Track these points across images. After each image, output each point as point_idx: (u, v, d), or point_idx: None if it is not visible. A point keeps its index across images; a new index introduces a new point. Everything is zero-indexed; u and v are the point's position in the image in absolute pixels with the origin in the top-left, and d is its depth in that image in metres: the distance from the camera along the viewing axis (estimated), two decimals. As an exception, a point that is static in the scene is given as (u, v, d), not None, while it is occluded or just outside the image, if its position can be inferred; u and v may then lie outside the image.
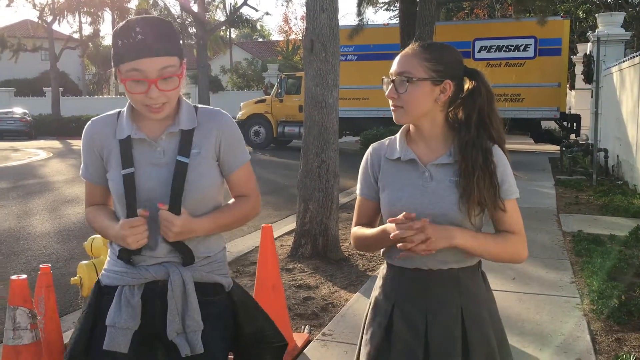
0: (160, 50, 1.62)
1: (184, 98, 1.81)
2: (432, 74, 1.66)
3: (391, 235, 1.59)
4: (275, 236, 6.58)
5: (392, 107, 1.71)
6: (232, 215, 1.81)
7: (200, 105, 1.83)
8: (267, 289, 3.48)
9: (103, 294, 1.75)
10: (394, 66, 1.72)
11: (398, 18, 29.32)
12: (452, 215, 1.65)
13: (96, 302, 1.75)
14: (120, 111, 1.79)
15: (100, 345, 1.68)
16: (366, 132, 9.84)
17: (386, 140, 1.84)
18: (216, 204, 1.80)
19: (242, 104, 21.59)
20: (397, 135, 1.79)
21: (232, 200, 1.86)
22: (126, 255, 1.71)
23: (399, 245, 1.59)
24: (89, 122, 1.82)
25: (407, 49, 1.73)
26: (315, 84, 5.42)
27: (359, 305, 4.25)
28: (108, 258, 1.80)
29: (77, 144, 23.46)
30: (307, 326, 3.94)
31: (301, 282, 4.89)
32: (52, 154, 18.44)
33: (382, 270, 1.83)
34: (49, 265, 2.76)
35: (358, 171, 1.88)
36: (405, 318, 1.71)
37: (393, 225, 1.60)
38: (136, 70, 1.61)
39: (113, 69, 1.70)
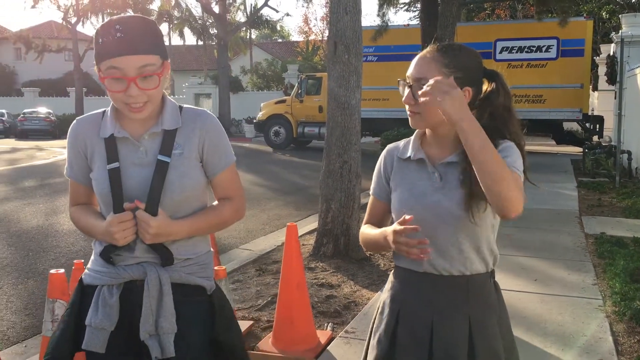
0: (139, 48, 1.60)
1: (169, 97, 1.79)
2: None
3: (391, 243, 1.59)
4: (299, 234, 6.67)
5: (408, 112, 1.69)
6: (212, 219, 1.78)
7: (185, 106, 1.80)
8: (291, 287, 3.55)
9: (85, 293, 1.74)
10: (411, 69, 1.68)
11: (418, 18, 29.30)
12: (458, 213, 1.63)
13: (79, 301, 1.74)
14: (105, 110, 1.78)
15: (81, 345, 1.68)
16: (387, 133, 9.89)
17: (401, 142, 1.83)
18: (201, 206, 1.78)
19: (262, 104, 21.74)
20: (413, 136, 1.78)
21: (215, 202, 1.84)
22: (106, 255, 1.70)
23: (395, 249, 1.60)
24: (74, 121, 1.81)
25: (425, 52, 1.69)
26: (338, 85, 5.48)
27: (381, 304, 4.31)
28: (92, 257, 1.78)
29: (100, 143, 23.83)
30: (329, 324, 4.00)
31: (323, 280, 4.95)
32: (76, 153, 18.74)
33: (392, 272, 1.82)
34: (82, 260, 2.85)
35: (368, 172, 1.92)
36: (410, 324, 1.69)
37: (391, 230, 1.59)
38: (115, 68, 1.60)
39: (95, 68, 1.68)
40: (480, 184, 1.49)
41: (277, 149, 19.95)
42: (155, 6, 39.12)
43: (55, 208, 8.89)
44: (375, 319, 1.81)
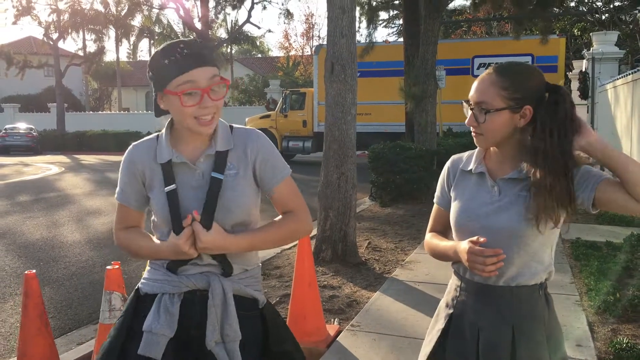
0: (207, 59, 1.68)
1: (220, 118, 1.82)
2: (510, 102, 1.65)
3: (465, 260, 1.67)
4: (295, 243, 7.08)
5: (473, 133, 1.74)
6: (272, 234, 1.80)
7: (235, 126, 1.84)
8: (304, 286, 3.95)
9: (141, 302, 1.78)
10: (472, 93, 1.72)
11: (397, 35, 30.02)
12: (516, 228, 1.66)
13: (134, 310, 1.78)
14: (159, 135, 1.82)
15: (134, 351, 1.69)
16: (373, 147, 10.34)
17: (465, 154, 1.88)
18: (253, 222, 1.81)
19: (247, 119, 22.12)
20: (476, 149, 1.84)
21: (279, 217, 1.85)
22: (174, 265, 1.75)
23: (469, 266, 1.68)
24: (130, 146, 1.85)
25: (484, 75, 1.71)
26: (335, 102, 5.93)
27: (381, 302, 4.73)
28: (148, 267, 1.83)
29: (84, 158, 23.98)
30: (336, 319, 4.40)
31: (325, 282, 5.36)
32: (64, 169, 18.93)
33: (451, 279, 1.89)
34: (119, 261, 3.22)
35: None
36: (459, 329, 1.76)
37: (465, 249, 1.66)
38: (189, 82, 1.65)
39: (155, 95, 1.73)
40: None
41: (262, 163, 20.27)
42: (136, 22, 39.45)
43: (56, 221, 9.17)
44: (433, 319, 1.90)
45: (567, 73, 20.59)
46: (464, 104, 1.74)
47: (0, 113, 37.77)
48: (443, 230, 1.90)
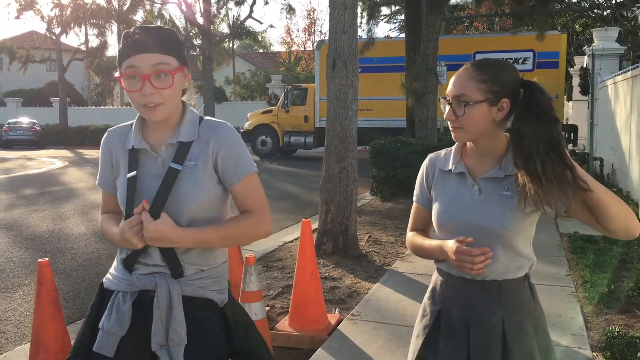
0: (154, 47, 1.67)
1: (192, 109, 1.82)
2: (488, 95, 1.68)
3: (453, 260, 1.70)
4: (295, 236, 7.21)
5: (451, 127, 1.76)
6: (224, 231, 1.73)
7: (206, 118, 1.82)
8: (306, 275, 4.07)
9: (105, 296, 1.78)
10: (450, 87, 1.75)
11: (398, 30, 30.06)
12: (498, 227, 1.70)
13: (98, 304, 1.79)
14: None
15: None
16: (374, 142, 10.44)
17: (443, 152, 1.89)
18: (218, 218, 1.77)
19: (248, 114, 22.24)
20: (453, 147, 1.85)
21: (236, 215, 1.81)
22: (128, 262, 1.74)
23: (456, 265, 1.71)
24: (107, 132, 1.87)
25: (461, 71, 1.75)
26: (336, 98, 6.04)
27: (381, 293, 4.85)
28: (114, 262, 1.83)
29: (87, 153, 24.11)
30: (337, 309, 4.53)
31: (326, 274, 5.48)
32: (67, 163, 19.08)
33: (433, 275, 1.91)
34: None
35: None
36: (449, 324, 1.78)
37: (451, 248, 1.69)
38: (131, 67, 1.66)
39: (117, 73, 1.74)
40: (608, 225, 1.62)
41: (264, 158, 20.45)
42: (139, 17, 39.48)
43: (61, 214, 9.30)
44: (418, 317, 1.91)
45: (569, 69, 20.66)
46: (442, 100, 1.78)
47: (3, 107, 37.92)
48: (424, 228, 1.93)
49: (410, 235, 1.95)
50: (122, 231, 1.67)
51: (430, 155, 1.92)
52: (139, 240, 1.65)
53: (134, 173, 1.73)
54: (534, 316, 1.75)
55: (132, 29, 1.68)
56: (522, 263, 1.75)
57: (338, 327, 4.08)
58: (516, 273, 1.74)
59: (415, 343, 1.88)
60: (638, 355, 3.29)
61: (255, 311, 3.46)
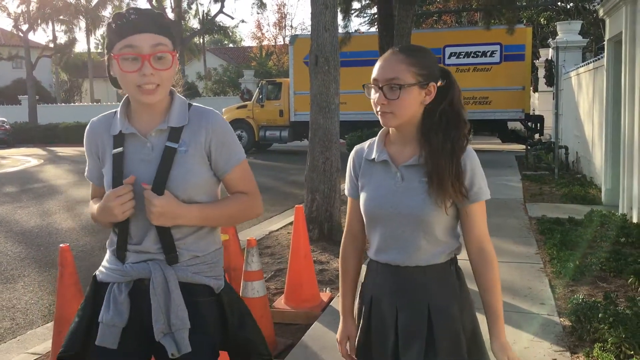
0: (153, 28, 1.64)
1: (178, 94, 1.80)
2: (419, 78, 1.69)
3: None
4: (280, 225, 7.55)
5: (379, 112, 1.73)
6: (223, 209, 1.77)
7: (195, 104, 1.81)
8: (300, 257, 4.41)
9: (98, 289, 1.77)
10: (379, 72, 1.73)
11: (368, 24, 30.47)
12: (420, 214, 1.71)
13: (93, 297, 1.77)
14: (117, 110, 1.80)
15: (95, 340, 1.71)
16: (352, 134, 10.80)
17: (367, 142, 1.90)
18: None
19: (223, 109, 22.34)
20: (377, 137, 1.86)
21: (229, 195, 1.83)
22: (119, 251, 1.74)
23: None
24: (89, 122, 1.84)
25: (389, 55, 1.75)
26: (319, 92, 6.38)
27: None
28: (106, 255, 1.82)
29: (60, 150, 23.97)
30: (327, 288, 4.89)
31: (315, 258, 5.81)
32: (42, 161, 19.03)
33: (367, 261, 1.91)
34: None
35: (344, 169, 2.03)
36: (379, 311, 1.79)
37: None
38: (130, 47, 1.61)
39: (106, 58, 1.69)
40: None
41: (240, 153, 20.59)
42: (107, 13, 39.13)
43: (47, 210, 9.47)
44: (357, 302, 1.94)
45: (534, 61, 21.33)
46: (367, 86, 1.77)
47: (-31, 106, 37.29)
48: (360, 221, 1.89)
49: (344, 246, 1.96)
50: (107, 199, 1.65)
51: (355, 147, 1.93)
52: (121, 211, 1.64)
53: (120, 149, 1.71)
54: (460, 300, 1.77)
55: (125, 10, 1.65)
56: (446, 248, 1.77)
57: (330, 304, 4.44)
58: (440, 258, 1.76)
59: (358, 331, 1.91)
60: (599, 316, 3.71)
61: (257, 289, 3.79)
